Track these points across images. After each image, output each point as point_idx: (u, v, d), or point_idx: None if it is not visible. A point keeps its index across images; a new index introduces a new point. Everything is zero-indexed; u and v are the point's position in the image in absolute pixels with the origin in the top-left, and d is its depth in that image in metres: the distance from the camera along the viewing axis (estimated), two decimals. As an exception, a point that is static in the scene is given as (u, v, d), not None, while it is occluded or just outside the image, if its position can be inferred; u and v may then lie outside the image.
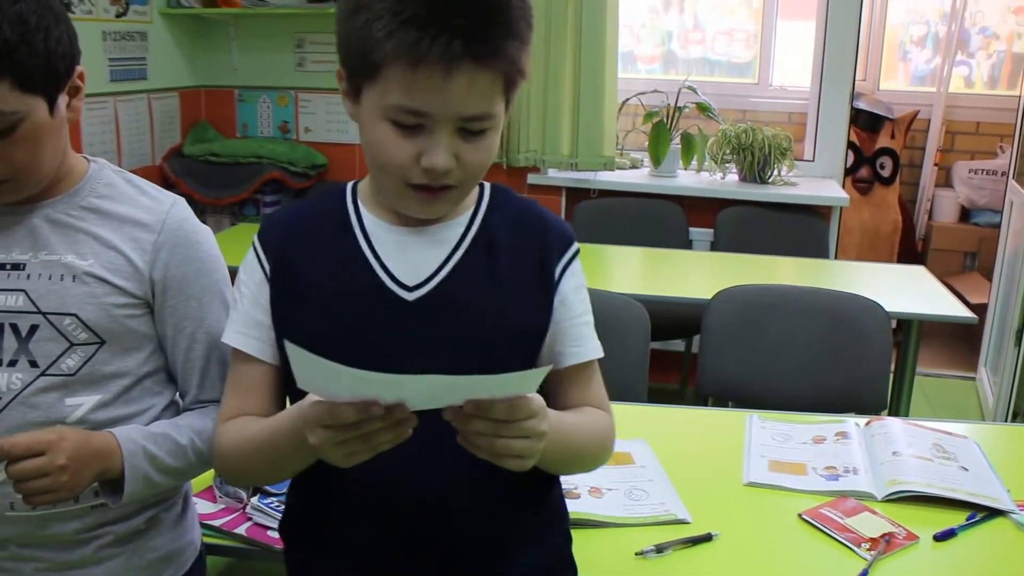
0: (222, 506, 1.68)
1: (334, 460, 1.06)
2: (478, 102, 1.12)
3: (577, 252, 1.32)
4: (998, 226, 4.70)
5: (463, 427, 1.05)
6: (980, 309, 4.50)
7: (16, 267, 1.33)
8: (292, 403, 1.26)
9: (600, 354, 1.32)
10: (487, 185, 1.32)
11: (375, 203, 1.28)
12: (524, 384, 1.04)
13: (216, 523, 1.63)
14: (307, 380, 1.03)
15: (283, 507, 1.63)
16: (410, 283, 1.23)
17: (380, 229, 1.26)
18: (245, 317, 1.28)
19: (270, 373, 1.28)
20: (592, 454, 1.32)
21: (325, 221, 1.28)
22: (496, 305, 1.24)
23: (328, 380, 1.01)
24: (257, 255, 1.28)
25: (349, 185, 1.32)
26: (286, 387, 1.28)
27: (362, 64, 1.13)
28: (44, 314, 1.31)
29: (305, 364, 0.98)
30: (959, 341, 5.25)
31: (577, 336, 1.30)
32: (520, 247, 1.28)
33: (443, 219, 1.26)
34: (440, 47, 1.06)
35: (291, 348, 0.96)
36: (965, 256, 5.52)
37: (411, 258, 1.24)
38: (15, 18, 1.22)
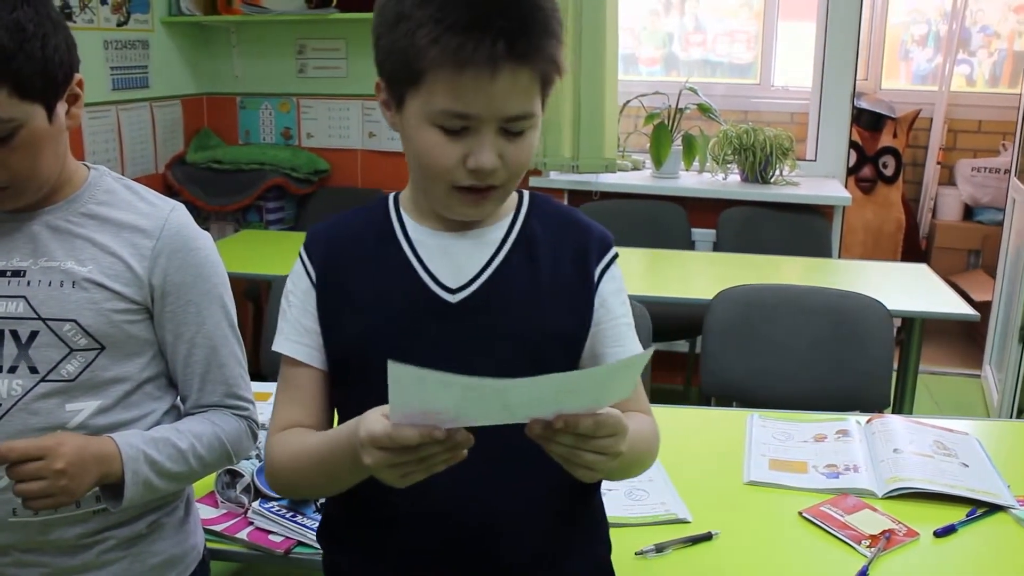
0: (224, 511, 1.68)
1: (388, 481, 1.06)
2: (520, 101, 1.14)
3: (616, 256, 1.33)
4: (1001, 224, 4.69)
5: (547, 442, 1.05)
6: (984, 307, 4.50)
7: (16, 274, 1.34)
8: (340, 412, 1.28)
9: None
10: (526, 192, 1.34)
11: (417, 211, 1.29)
12: (624, 375, 1.05)
13: (218, 528, 1.63)
14: (403, 399, 1.00)
15: (286, 512, 1.64)
16: (453, 285, 1.24)
17: (423, 234, 1.28)
18: (294, 325, 1.29)
19: (320, 379, 1.29)
20: (643, 461, 1.31)
21: (368, 230, 1.30)
22: (538, 306, 1.26)
23: (432, 394, 0.99)
24: (303, 264, 1.30)
25: (391, 196, 1.33)
26: (335, 394, 1.29)
27: (406, 72, 1.14)
28: (44, 320, 1.32)
29: (407, 381, 0.96)
30: (964, 339, 5.25)
31: (618, 337, 1.31)
32: (560, 250, 1.29)
33: (484, 223, 1.28)
34: (485, 49, 1.08)
35: (393, 366, 0.94)
36: (969, 254, 5.51)
37: (454, 261, 1.26)
38: (12, 26, 1.23)
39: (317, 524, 1.59)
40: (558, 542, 1.31)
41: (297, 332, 1.29)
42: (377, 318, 1.24)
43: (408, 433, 1.01)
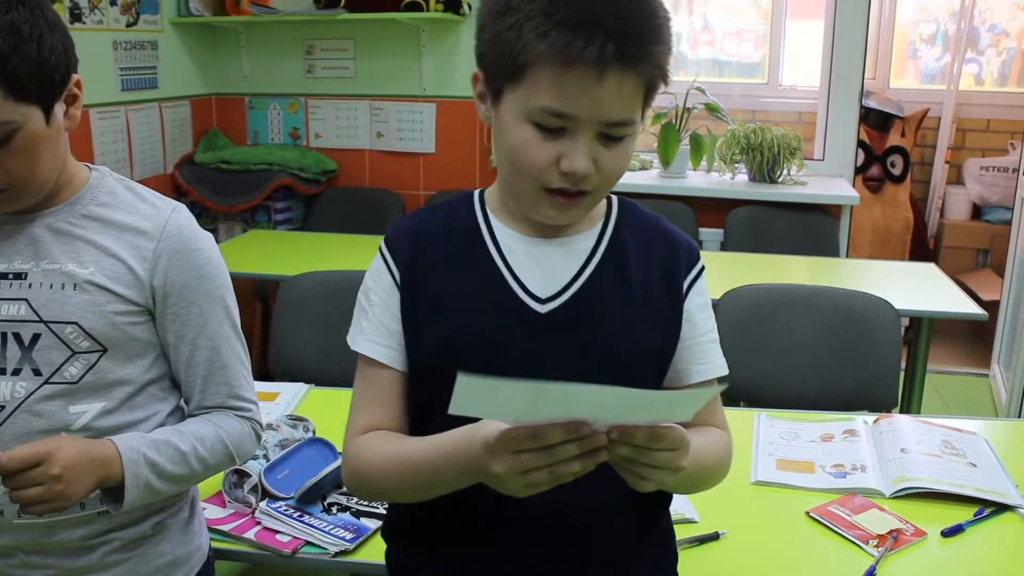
0: (231, 511, 1.68)
1: (511, 489, 1.04)
2: (623, 107, 1.12)
3: (703, 269, 1.31)
4: (1010, 223, 4.68)
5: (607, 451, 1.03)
6: (993, 306, 4.49)
7: (18, 276, 1.34)
8: (420, 419, 1.25)
9: (725, 371, 1.30)
10: (615, 198, 1.32)
11: (505, 212, 1.27)
12: (694, 402, 1.04)
13: (225, 528, 1.64)
14: (469, 409, 0.99)
15: (292, 512, 1.65)
16: (543, 295, 1.23)
17: (511, 239, 1.25)
18: (376, 325, 1.26)
19: (401, 381, 1.27)
20: (715, 475, 1.30)
21: (454, 230, 1.27)
22: (628, 322, 1.24)
23: (499, 403, 0.98)
24: (386, 262, 1.27)
25: (476, 193, 1.31)
26: (415, 399, 1.27)
27: (508, 65, 1.12)
28: (46, 323, 1.32)
29: (474, 392, 0.94)
30: (973, 338, 5.23)
31: (703, 353, 1.29)
32: (649, 262, 1.27)
33: (574, 230, 1.26)
34: (594, 50, 1.06)
35: (462, 378, 0.91)
36: (977, 253, 5.50)
37: (543, 270, 1.24)
38: (7, 27, 1.22)
39: (330, 526, 1.61)
40: (630, 554, 1.30)
41: (379, 332, 1.26)
42: (464, 325, 1.22)
43: (552, 431, 0.99)
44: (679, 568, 1.40)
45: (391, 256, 1.27)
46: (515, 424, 1.01)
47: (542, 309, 1.22)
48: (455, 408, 0.96)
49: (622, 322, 1.23)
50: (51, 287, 1.33)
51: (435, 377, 1.16)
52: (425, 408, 1.24)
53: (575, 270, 1.24)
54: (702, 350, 1.29)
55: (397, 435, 1.24)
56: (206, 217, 4.29)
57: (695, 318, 1.28)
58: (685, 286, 1.28)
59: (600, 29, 1.06)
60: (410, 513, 1.31)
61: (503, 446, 1.02)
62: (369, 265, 1.30)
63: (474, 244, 1.25)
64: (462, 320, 1.22)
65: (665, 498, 1.34)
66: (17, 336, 1.32)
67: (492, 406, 1.00)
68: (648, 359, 1.26)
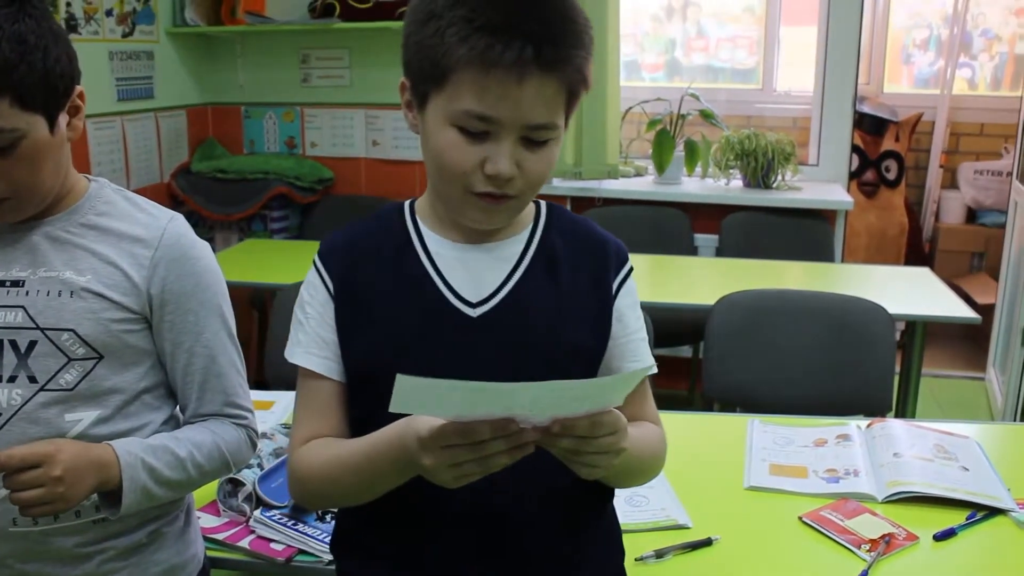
0: (226, 519, 1.69)
1: (443, 481, 1.07)
2: (544, 111, 1.15)
3: (631, 269, 1.34)
4: (1004, 226, 4.69)
5: (548, 445, 1.07)
6: (988, 309, 4.50)
7: (16, 284, 1.35)
8: (358, 425, 1.26)
9: (655, 369, 1.33)
10: (543, 203, 1.34)
11: (435, 220, 1.29)
12: (623, 386, 1.07)
13: (220, 536, 1.64)
14: (408, 407, 1.03)
15: (288, 521, 1.65)
16: (473, 300, 1.25)
17: (441, 246, 1.28)
18: (312, 337, 1.28)
19: (339, 391, 1.29)
20: (650, 468, 1.34)
21: (386, 240, 1.30)
22: (558, 322, 1.26)
23: (436, 402, 1.02)
24: (320, 275, 1.29)
25: (407, 203, 1.33)
26: (353, 407, 1.29)
27: (432, 70, 1.15)
28: (42, 330, 1.33)
29: (413, 391, 0.98)
30: (968, 342, 5.24)
31: (634, 351, 1.32)
32: (578, 264, 1.30)
33: (503, 235, 1.28)
34: (513, 53, 1.09)
35: (400, 379, 0.96)
36: (972, 257, 5.51)
37: (473, 275, 1.26)
38: (14, 37, 1.25)
39: (324, 534, 1.61)
40: (573, 545, 1.32)
41: (316, 344, 1.28)
42: (397, 332, 1.24)
43: (482, 428, 1.02)
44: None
45: (324, 269, 1.29)
46: (449, 420, 1.04)
47: (473, 313, 1.24)
48: (395, 407, 1.00)
49: (552, 322, 1.26)
50: (48, 294, 1.34)
51: (372, 385, 1.18)
52: (364, 416, 1.25)
53: (505, 273, 1.26)
54: (633, 347, 1.32)
55: (336, 440, 1.27)
56: (202, 226, 4.29)
57: (625, 317, 1.31)
58: (615, 286, 1.31)
59: (519, 33, 1.09)
60: (359, 525, 1.34)
61: (434, 441, 1.05)
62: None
63: (405, 253, 1.28)
64: (396, 328, 1.25)
65: (606, 490, 1.36)
66: (13, 343, 1.33)
67: (431, 405, 1.04)
68: (578, 357, 1.28)
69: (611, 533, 1.41)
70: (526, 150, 1.16)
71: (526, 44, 1.09)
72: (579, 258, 1.30)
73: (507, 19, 1.10)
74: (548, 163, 1.19)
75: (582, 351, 1.28)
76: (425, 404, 1.05)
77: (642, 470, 1.32)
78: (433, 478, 1.08)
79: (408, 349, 1.23)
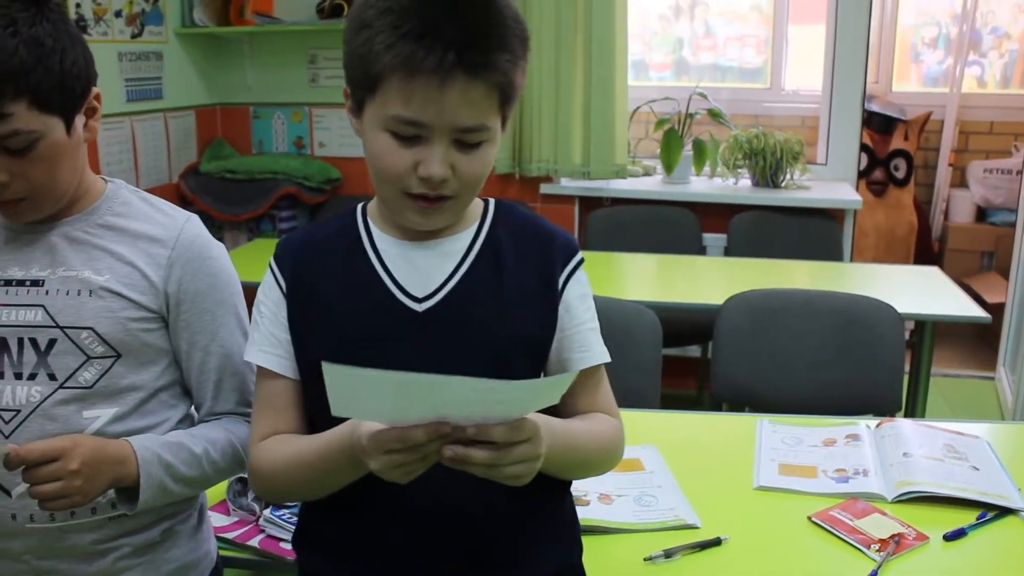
0: (235, 519, 1.70)
1: (393, 479, 1.10)
2: (472, 114, 1.17)
3: (581, 261, 1.36)
4: (1014, 225, 4.68)
5: (463, 465, 1.08)
6: (998, 308, 4.49)
7: (35, 283, 1.37)
8: (314, 422, 1.29)
9: (607, 359, 1.35)
10: (491, 200, 1.37)
11: (383, 220, 1.33)
12: (555, 388, 1.08)
13: (230, 535, 1.65)
14: (343, 400, 1.05)
15: (295, 519, 1.66)
16: (419, 295, 1.27)
17: (389, 245, 1.31)
18: (266, 335, 1.31)
19: (295, 388, 1.32)
20: (601, 459, 1.36)
21: (337, 240, 1.33)
22: (502, 314, 1.28)
23: (368, 392, 1.04)
24: (274, 275, 1.33)
25: (360, 206, 1.36)
26: (309, 404, 1.32)
27: (364, 78, 1.19)
28: (62, 328, 1.35)
29: (343, 380, 1.01)
30: (978, 341, 5.23)
31: (583, 342, 1.34)
32: (525, 257, 1.32)
33: (449, 232, 1.31)
34: (434, 59, 1.12)
35: (327, 367, 0.99)
36: (982, 256, 5.50)
37: (420, 271, 1.29)
38: (32, 40, 1.26)
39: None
40: (525, 537, 1.33)
41: (269, 343, 1.31)
42: (346, 328, 1.28)
43: (417, 433, 1.06)
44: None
45: (278, 268, 1.33)
46: (387, 426, 1.08)
47: (420, 308, 1.27)
48: (336, 409, 1.04)
49: (497, 314, 1.28)
50: (67, 293, 1.36)
51: (322, 381, 1.20)
52: (320, 411, 1.25)
53: (450, 269, 1.29)
54: (582, 338, 1.33)
55: (292, 437, 1.30)
56: (211, 226, 4.24)
57: (574, 308, 1.33)
58: (562, 278, 1.33)
59: (441, 39, 1.13)
60: (314, 519, 1.37)
61: (375, 447, 1.08)
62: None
63: (354, 251, 1.31)
64: (345, 324, 1.28)
65: (559, 482, 1.36)
66: (34, 341, 1.35)
67: (366, 406, 1.07)
68: (523, 347, 1.30)
69: (570, 528, 1.43)
70: (459, 152, 1.19)
71: (448, 50, 1.12)
72: (525, 252, 1.32)
73: (431, 26, 1.13)
74: (483, 164, 1.22)
75: (528, 343, 1.30)
76: (359, 403, 1.07)
77: (587, 463, 1.34)
78: (383, 477, 1.11)
79: (358, 346, 1.26)
